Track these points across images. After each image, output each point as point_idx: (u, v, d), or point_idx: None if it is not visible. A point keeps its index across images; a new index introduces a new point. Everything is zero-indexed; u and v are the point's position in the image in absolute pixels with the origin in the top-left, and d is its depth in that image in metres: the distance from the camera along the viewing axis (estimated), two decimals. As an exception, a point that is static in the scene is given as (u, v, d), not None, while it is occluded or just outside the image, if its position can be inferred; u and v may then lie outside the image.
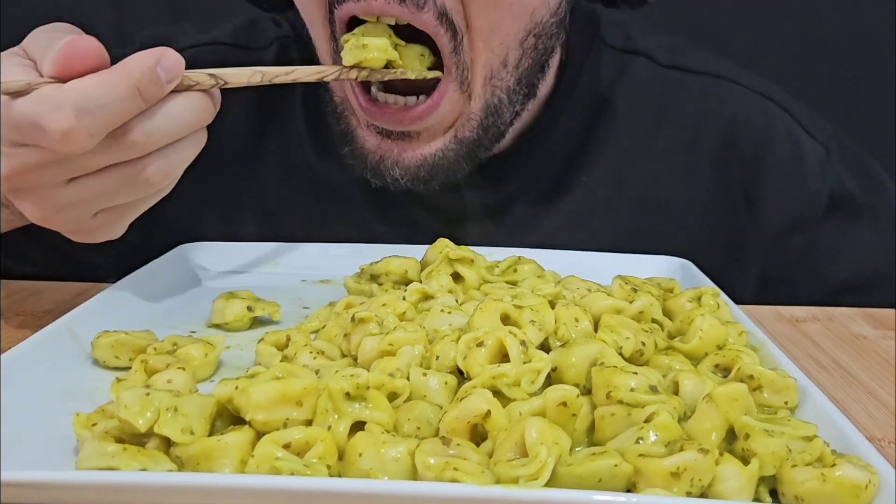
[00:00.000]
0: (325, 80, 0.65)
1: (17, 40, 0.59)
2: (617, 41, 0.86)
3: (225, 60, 0.87)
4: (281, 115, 0.87)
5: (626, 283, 0.62)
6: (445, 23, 0.66)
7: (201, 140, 0.58)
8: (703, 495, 0.41)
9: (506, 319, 0.54)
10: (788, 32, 1.31)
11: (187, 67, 0.56)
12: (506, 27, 0.68)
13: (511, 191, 0.84)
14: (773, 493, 0.43)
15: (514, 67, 0.71)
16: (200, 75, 0.56)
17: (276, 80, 0.61)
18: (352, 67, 0.66)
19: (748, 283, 0.85)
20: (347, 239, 0.83)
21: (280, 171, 0.87)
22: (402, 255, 0.71)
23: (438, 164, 0.71)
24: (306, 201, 0.87)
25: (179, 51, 0.91)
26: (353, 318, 0.56)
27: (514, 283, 0.66)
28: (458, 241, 0.69)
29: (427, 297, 0.62)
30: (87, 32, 0.57)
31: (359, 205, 0.86)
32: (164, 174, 0.56)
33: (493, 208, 0.84)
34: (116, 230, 0.61)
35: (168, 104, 0.54)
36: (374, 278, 0.70)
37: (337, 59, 0.69)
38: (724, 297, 0.64)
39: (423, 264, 0.69)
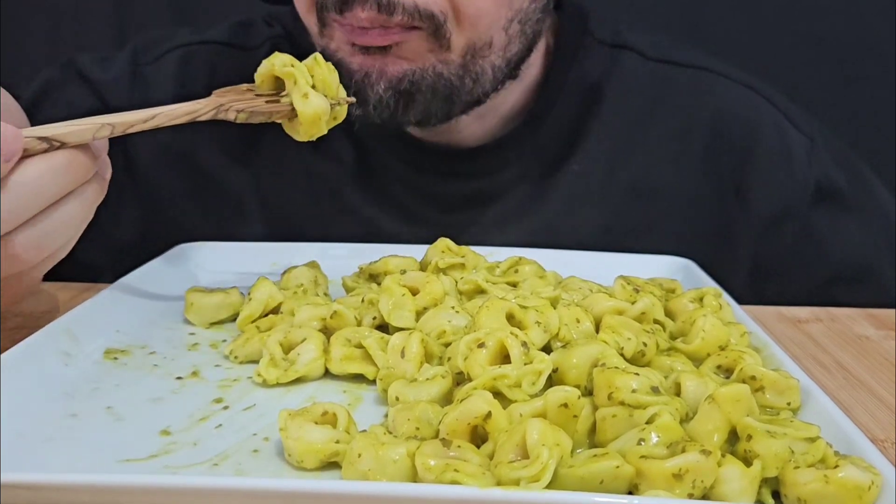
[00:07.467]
0: (199, 119, 0.57)
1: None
2: (605, 36, 0.88)
3: (218, 59, 0.87)
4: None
5: (628, 284, 0.62)
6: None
7: (89, 196, 0.53)
8: (705, 497, 0.41)
9: (510, 319, 0.53)
10: (787, 33, 1.31)
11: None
12: (486, 16, 0.70)
13: (505, 179, 0.85)
14: (776, 495, 0.43)
15: (501, 49, 0.74)
16: (30, 140, 0.49)
17: (133, 130, 0.53)
18: (229, 108, 0.58)
19: (740, 273, 0.86)
20: (342, 228, 0.84)
21: (274, 165, 0.87)
22: (401, 255, 0.70)
23: (419, 82, 0.72)
24: (301, 193, 0.87)
25: (171, 49, 0.90)
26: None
27: (514, 285, 0.66)
28: (452, 228, 0.70)
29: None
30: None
31: (353, 193, 0.86)
32: (36, 246, 0.50)
33: (487, 196, 0.86)
34: (15, 300, 0.56)
35: (17, 174, 0.48)
36: (372, 277, 0.70)
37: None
38: (726, 297, 0.64)
39: (423, 264, 0.69)
